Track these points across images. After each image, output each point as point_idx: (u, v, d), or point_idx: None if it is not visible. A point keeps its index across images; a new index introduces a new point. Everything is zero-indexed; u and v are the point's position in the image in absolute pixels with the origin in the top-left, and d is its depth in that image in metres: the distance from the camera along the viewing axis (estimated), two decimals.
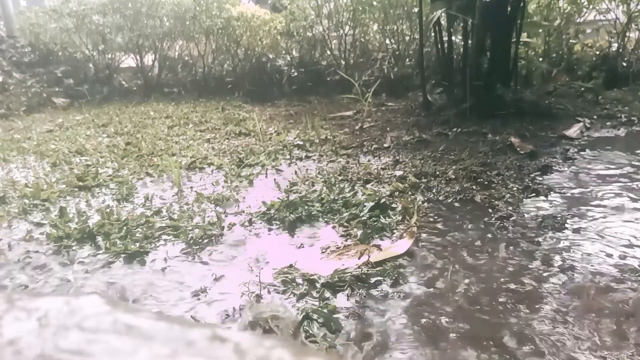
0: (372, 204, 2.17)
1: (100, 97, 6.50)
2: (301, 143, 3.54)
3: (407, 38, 6.01)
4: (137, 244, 1.93)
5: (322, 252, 1.84)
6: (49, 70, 6.67)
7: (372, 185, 2.55)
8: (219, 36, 6.52)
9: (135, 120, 4.84)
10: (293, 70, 6.41)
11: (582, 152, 2.99)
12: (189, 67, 6.94)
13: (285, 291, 1.55)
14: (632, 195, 2.22)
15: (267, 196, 2.39)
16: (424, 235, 1.92)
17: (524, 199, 2.25)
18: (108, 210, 2.28)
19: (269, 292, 1.55)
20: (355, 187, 2.49)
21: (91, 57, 6.84)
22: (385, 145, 3.40)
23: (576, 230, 1.89)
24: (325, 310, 1.40)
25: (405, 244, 1.82)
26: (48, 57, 6.91)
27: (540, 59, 5.48)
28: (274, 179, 2.73)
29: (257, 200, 2.40)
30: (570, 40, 5.49)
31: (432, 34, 4.59)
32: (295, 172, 2.86)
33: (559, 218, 2.00)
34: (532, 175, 2.59)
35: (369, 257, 1.71)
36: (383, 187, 2.49)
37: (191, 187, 2.69)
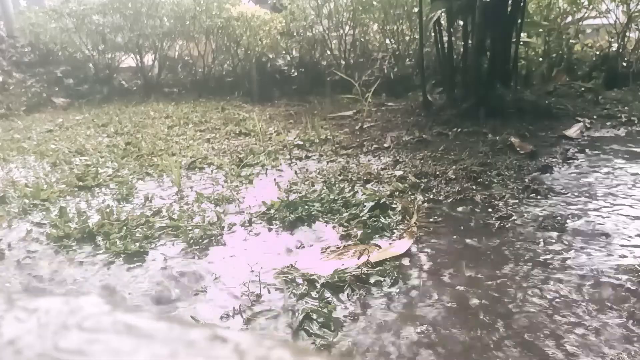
0: (372, 204, 2.17)
1: (100, 97, 6.50)
2: (301, 143, 3.54)
3: (407, 38, 6.01)
4: (137, 244, 1.93)
5: (322, 252, 1.84)
6: (49, 70, 6.66)
7: (372, 185, 2.55)
8: (219, 36, 6.52)
9: (135, 120, 4.84)
10: (293, 70, 6.41)
11: (582, 152, 2.99)
12: (189, 67, 6.93)
13: (285, 291, 1.55)
14: (632, 195, 2.22)
15: (267, 196, 2.39)
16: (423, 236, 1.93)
17: (524, 199, 2.26)
18: (108, 210, 2.28)
19: (268, 292, 1.55)
20: (355, 187, 2.49)
21: (91, 57, 6.83)
22: (385, 145, 3.39)
23: (576, 230, 1.89)
24: (325, 310, 1.40)
25: (405, 244, 1.82)
26: (48, 57, 6.91)
27: (540, 59, 5.48)
28: (274, 179, 2.73)
29: (257, 200, 2.40)
30: (570, 40, 5.49)
31: (432, 34, 4.59)
32: (295, 172, 2.86)
33: (559, 218, 2.00)
34: (532, 175, 2.59)
35: (369, 257, 1.71)
36: (383, 187, 2.49)
37: (191, 187, 2.69)
